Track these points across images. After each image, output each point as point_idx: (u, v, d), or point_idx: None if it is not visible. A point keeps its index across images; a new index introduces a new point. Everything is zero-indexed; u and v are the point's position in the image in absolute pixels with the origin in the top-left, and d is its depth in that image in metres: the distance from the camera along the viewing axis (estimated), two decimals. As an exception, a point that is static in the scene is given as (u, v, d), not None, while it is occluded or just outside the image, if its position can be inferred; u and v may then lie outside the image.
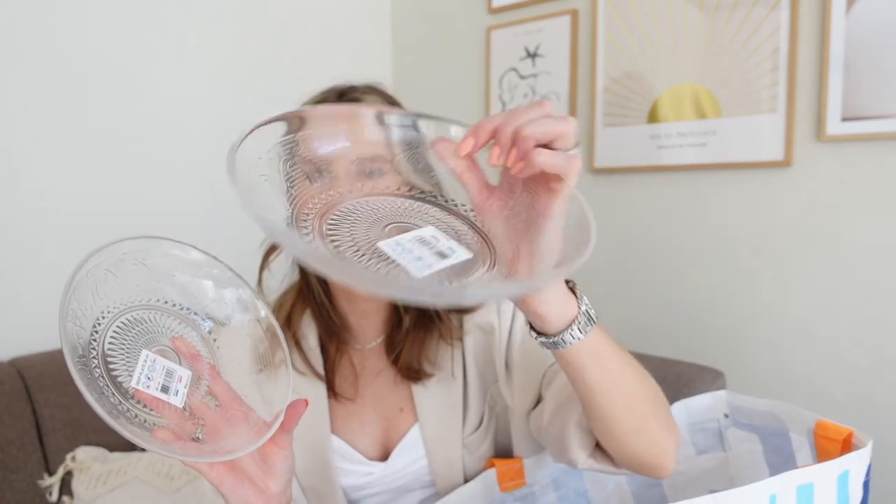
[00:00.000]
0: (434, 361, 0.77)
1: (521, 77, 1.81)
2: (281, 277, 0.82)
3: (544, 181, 0.43)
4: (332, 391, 0.77)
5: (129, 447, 1.31)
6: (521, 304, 0.49)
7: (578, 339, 0.50)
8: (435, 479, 0.77)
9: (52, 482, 1.18)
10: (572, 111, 1.70)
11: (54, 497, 1.18)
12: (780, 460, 0.73)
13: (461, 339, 0.77)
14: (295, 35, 1.83)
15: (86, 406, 1.46)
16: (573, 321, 0.49)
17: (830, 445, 0.65)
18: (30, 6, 1.31)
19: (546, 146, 0.42)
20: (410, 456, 0.76)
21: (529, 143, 0.42)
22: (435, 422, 0.75)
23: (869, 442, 0.60)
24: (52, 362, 1.28)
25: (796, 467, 0.67)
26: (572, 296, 0.50)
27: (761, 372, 1.45)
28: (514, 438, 0.78)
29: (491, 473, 0.75)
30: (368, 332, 0.78)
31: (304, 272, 0.79)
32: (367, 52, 2.06)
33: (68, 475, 1.19)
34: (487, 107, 1.89)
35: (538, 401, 0.72)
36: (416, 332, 0.76)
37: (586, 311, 0.51)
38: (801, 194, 1.37)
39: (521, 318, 0.73)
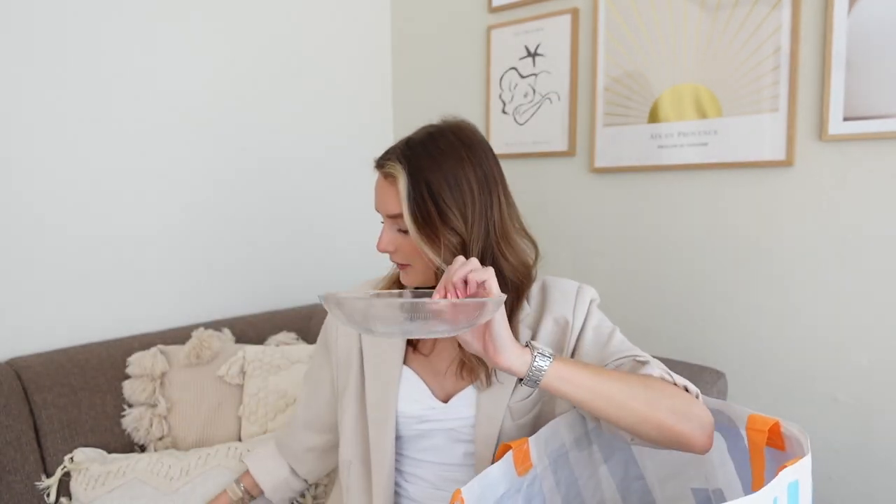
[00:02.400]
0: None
1: (522, 76, 1.80)
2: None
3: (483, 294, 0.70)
4: (411, 345, 0.95)
5: (128, 448, 1.30)
6: (493, 364, 0.71)
7: (543, 370, 0.70)
8: (475, 436, 0.88)
9: (50, 483, 1.18)
10: (572, 110, 1.70)
11: (52, 498, 1.17)
12: (740, 455, 0.77)
13: (535, 329, 0.91)
14: (294, 35, 1.83)
15: (84, 407, 1.45)
16: (532, 362, 0.71)
17: (758, 437, 0.71)
18: (38, 10, 1.30)
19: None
20: (464, 405, 0.89)
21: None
22: (490, 384, 0.89)
23: (805, 435, 0.64)
24: (50, 363, 1.27)
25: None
26: (525, 348, 0.72)
27: (762, 372, 1.45)
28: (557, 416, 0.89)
29: (509, 457, 0.78)
30: None
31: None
32: (367, 51, 2.06)
33: (66, 476, 1.19)
34: (488, 106, 1.88)
35: None
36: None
37: (539, 353, 0.71)
38: (803, 194, 1.37)
39: (593, 321, 0.89)
